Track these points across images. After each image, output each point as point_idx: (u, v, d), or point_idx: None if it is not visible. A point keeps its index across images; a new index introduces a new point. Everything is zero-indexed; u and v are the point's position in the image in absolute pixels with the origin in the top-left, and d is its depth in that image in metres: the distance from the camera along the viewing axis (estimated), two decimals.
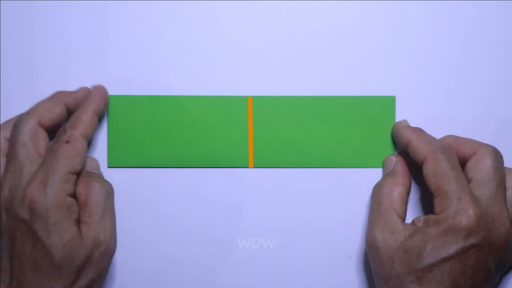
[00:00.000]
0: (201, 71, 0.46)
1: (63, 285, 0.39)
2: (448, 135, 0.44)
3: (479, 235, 0.38)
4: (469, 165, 0.41)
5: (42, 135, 0.42)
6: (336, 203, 0.45)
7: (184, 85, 0.46)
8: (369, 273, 0.45)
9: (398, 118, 0.45)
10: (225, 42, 0.46)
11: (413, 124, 0.45)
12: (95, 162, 0.45)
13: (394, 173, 0.43)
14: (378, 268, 0.41)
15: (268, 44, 0.46)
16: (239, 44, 0.46)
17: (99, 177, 0.43)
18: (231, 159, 0.45)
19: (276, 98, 0.46)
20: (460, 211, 0.38)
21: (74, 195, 0.41)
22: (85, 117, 0.42)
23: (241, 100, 0.46)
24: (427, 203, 0.45)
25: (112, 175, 0.45)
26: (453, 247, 0.38)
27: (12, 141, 0.41)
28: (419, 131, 0.43)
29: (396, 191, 0.42)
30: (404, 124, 0.44)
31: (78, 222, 0.41)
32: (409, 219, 0.43)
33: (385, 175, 0.44)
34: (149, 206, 0.46)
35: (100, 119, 0.44)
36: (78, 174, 0.41)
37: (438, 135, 0.44)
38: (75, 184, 0.41)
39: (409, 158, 0.43)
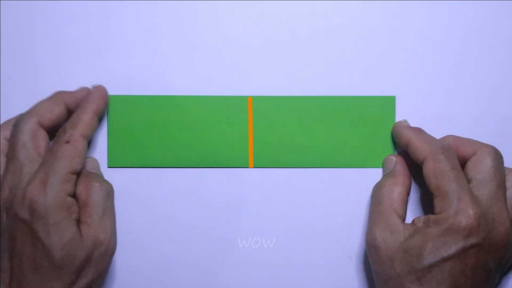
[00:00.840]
0: (201, 71, 0.46)
1: (63, 285, 0.39)
2: (448, 135, 0.44)
3: (479, 235, 0.38)
4: (469, 165, 0.41)
5: (42, 135, 0.42)
6: (336, 203, 0.45)
7: (184, 85, 0.46)
8: (369, 273, 0.45)
9: (398, 118, 0.45)
10: (224, 42, 0.46)
11: (413, 124, 0.45)
12: (95, 162, 0.45)
13: (394, 173, 0.43)
14: (378, 268, 0.41)
15: (268, 44, 0.46)
16: (239, 44, 0.46)
17: (99, 177, 0.43)
18: (231, 159, 0.45)
19: (276, 98, 0.46)
20: (460, 211, 0.38)
21: (74, 195, 0.41)
22: (85, 117, 0.42)
23: (241, 100, 0.46)
24: (427, 203, 0.45)
25: (112, 175, 0.45)
26: (453, 247, 0.38)
27: (12, 141, 0.41)
28: (419, 131, 0.43)
29: (396, 191, 0.42)
30: (404, 124, 0.44)
31: (78, 222, 0.41)
32: (409, 219, 0.43)
33: (385, 175, 0.44)
34: (149, 206, 0.46)
35: (100, 119, 0.45)
36: (78, 174, 0.41)
37: (438, 135, 0.44)
38: (75, 184, 0.41)
39: (409, 158, 0.43)
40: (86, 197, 0.41)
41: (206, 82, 0.46)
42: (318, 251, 0.45)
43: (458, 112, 0.45)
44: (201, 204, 0.46)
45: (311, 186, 0.46)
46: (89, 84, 0.45)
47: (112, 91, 0.45)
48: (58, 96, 0.44)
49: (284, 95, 0.45)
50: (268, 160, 0.46)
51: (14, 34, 0.46)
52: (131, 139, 0.45)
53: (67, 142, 0.40)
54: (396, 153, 0.45)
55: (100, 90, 0.44)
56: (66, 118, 0.43)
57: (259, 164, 0.46)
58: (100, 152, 0.45)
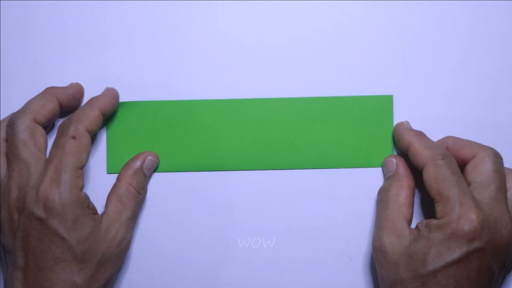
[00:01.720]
0: (199, 76, 0.46)
1: (85, 278, 0.40)
2: (448, 136, 0.44)
3: (482, 239, 0.38)
4: (469, 168, 0.41)
5: (40, 131, 0.42)
6: (336, 203, 0.46)
7: (181, 90, 0.45)
8: (369, 273, 0.45)
9: (396, 118, 0.45)
10: (222, 46, 0.46)
11: (412, 124, 0.45)
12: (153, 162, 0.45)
13: (398, 176, 0.43)
14: (384, 273, 0.41)
15: (266, 47, 0.46)
16: (234, 46, 0.46)
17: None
18: (232, 163, 0.45)
19: (274, 100, 0.45)
20: (463, 216, 0.38)
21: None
22: (91, 112, 0.42)
23: (240, 103, 0.45)
24: (427, 206, 0.45)
25: (112, 182, 0.44)
26: (457, 252, 0.38)
27: (12, 141, 0.41)
28: (420, 135, 0.43)
29: (402, 194, 0.42)
30: (406, 127, 0.44)
31: (94, 214, 0.41)
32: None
33: (389, 178, 0.44)
34: (149, 207, 0.45)
35: (105, 120, 0.44)
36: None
37: (436, 135, 0.44)
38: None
39: (409, 159, 0.43)
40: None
41: (204, 86, 0.46)
42: (318, 251, 0.45)
43: (457, 112, 0.46)
44: (201, 204, 0.46)
45: (310, 186, 0.46)
46: (88, 84, 0.45)
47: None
48: (50, 92, 0.43)
49: (282, 97, 0.45)
50: (268, 162, 0.45)
51: (14, 34, 0.46)
52: (130, 145, 0.45)
53: (74, 137, 0.40)
54: (395, 153, 0.45)
55: (111, 91, 0.45)
56: (58, 114, 0.44)
57: (258, 167, 0.45)
58: (99, 158, 0.45)
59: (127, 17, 0.45)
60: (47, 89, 0.44)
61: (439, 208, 0.40)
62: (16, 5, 0.45)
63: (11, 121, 0.42)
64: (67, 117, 0.42)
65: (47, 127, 0.44)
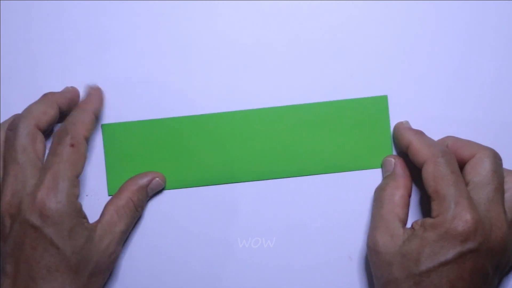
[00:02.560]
0: (198, 75, 0.46)
1: None
2: (448, 136, 0.44)
3: (476, 240, 0.38)
4: (468, 167, 0.41)
5: (40, 138, 0.42)
6: (336, 203, 0.46)
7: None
8: (369, 273, 0.45)
9: (396, 118, 0.45)
10: (222, 46, 0.46)
11: (411, 124, 0.45)
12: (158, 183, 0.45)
13: (395, 176, 0.43)
14: (378, 272, 0.41)
15: (260, 49, 0.46)
16: (233, 48, 0.46)
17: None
18: (229, 176, 0.45)
19: (270, 109, 0.45)
20: (457, 216, 0.38)
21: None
22: (86, 118, 0.42)
23: (234, 116, 0.45)
24: (426, 205, 0.45)
25: None
26: (450, 252, 0.38)
27: (12, 145, 0.41)
28: (420, 134, 0.43)
29: (397, 194, 0.42)
30: (406, 126, 0.44)
31: (88, 223, 0.41)
32: (408, 221, 0.43)
33: (386, 178, 0.44)
34: (149, 207, 0.46)
35: (97, 120, 0.45)
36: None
37: (435, 135, 0.44)
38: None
39: (408, 159, 0.43)
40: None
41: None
42: (318, 251, 0.45)
43: (456, 112, 0.45)
44: (201, 204, 0.46)
45: (310, 187, 0.46)
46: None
47: (110, 91, 0.45)
48: (50, 97, 0.43)
49: (277, 106, 0.45)
50: (266, 171, 0.45)
51: (14, 34, 0.46)
52: (129, 165, 0.45)
53: (72, 145, 0.40)
54: (394, 153, 0.45)
55: (96, 90, 0.45)
56: (57, 120, 0.44)
57: (259, 177, 0.45)
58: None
59: (128, 17, 0.46)
60: (46, 94, 0.44)
61: (435, 206, 0.39)
62: (16, 5, 0.46)
63: (14, 125, 0.41)
64: (61, 124, 0.42)
65: (44, 132, 0.44)
